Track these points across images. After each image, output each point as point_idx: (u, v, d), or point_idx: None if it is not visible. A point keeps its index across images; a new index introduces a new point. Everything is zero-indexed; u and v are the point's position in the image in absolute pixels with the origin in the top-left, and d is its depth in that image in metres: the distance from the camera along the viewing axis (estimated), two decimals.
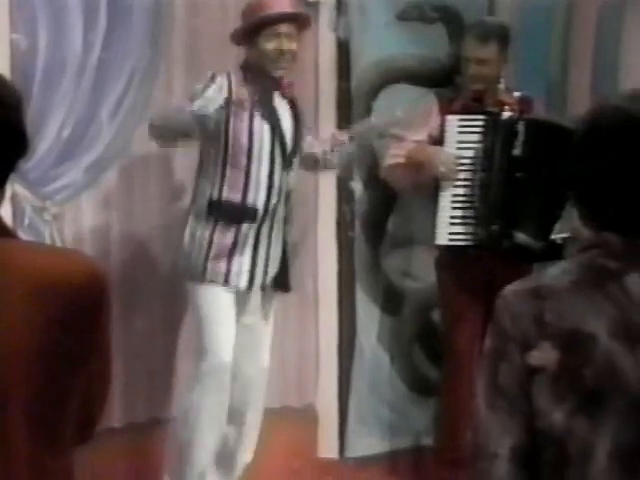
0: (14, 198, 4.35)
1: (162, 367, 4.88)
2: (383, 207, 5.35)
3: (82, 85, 4.59)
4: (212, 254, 4.43)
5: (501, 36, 4.94)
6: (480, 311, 4.77)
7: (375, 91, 5.27)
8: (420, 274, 5.33)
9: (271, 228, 4.50)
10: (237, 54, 4.61)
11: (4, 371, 1.74)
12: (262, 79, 4.46)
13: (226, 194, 4.45)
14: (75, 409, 1.81)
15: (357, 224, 5.30)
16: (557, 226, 4.74)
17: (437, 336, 5.28)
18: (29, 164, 4.25)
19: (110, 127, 4.69)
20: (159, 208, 4.82)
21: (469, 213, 4.88)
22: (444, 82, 5.25)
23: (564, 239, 4.71)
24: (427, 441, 5.27)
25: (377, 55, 5.28)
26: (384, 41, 5.29)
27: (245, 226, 4.44)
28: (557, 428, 1.92)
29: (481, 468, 1.98)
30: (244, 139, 4.42)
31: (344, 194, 5.26)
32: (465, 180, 4.90)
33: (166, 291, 4.86)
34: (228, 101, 4.35)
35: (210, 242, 4.44)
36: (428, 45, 5.36)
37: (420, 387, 5.41)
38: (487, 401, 1.97)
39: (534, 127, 4.84)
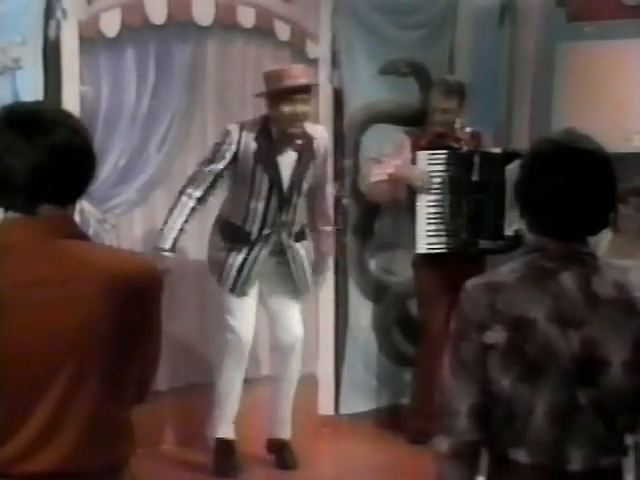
0: (81, 212, 4.32)
1: (197, 343, 4.86)
2: (369, 219, 5.31)
3: (135, 125, 4.57)
4: (221, 261, 4.43)
5: (460, 91, 4.93)
6: (449, 300, 4.75)
7: (363, 128, 5.25)
8: (399, 271, 5.29)
9: (260, 250, 4.42)
10: (255, 102, 4.59)
11: (86, 342, 1.74)
12: (276, 135, 4.32)
13: (232, 219, 4.41)
14: (135, 373, 1.81)
15: (349, 232, 5.27)
16: (506, 224, 4.77)
17: (412, 320, 5.25)
18: (94, 185, 4.23)
19: (156, 157, 4.67)
20: (194, 219, 4.79)
21: (441, 227, 4.88)
22: (416, 122, 5.21)
23: (516, 231, 4.74)
24: (404, 401, 5.23)
25: (364, 101, 5.24)
26: (369, 90, 5.26)
27: (241, 244, 4.40)
28: (505, 392, 1.92)
29: (446, 422, 1.99)
30: (247, 183, 4.33)
31: (339, 208, 5.20)
32: (436, 201, 4.90)
33: (198, 285, 4.84)
34: (236, 153, 4.28)
35: (220, 252, 4.43)
36: (403, 93, 5.33)
37: (398, 359, 5.37)
38: (451, 371, 1.98)
39: (485, 158, 4.86)
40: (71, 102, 4.22)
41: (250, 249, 4.40)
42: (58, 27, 4.26)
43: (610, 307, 1.94)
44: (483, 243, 4.82)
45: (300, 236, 4.51)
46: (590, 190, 1.94)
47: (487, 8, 5.67)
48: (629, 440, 2.00)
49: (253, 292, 4.48)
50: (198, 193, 4.33)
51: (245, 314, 4.45)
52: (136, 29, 4.51)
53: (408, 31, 5.35)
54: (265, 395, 4.64)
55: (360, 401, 5.28)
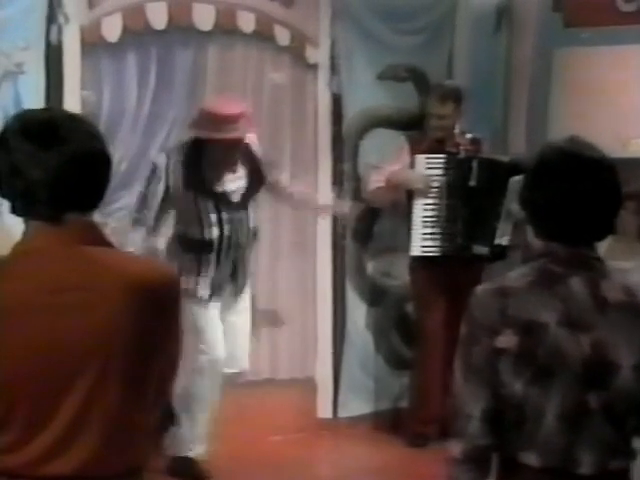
0: None
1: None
2: (367, 222, 5.32)
3: (136, 130, 4.58)
4: (193, 276, 4.30)
5: (456, 96, 4.94)
6: (445, 303, 4.78)
7: (361, 133, 5.26)
8: (397, 274, 5.29)
9: (227, 254, 4.34)
10: (252, 104, 4.60)
11: (107, 348, 1.75)
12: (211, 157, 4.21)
13: (191, 234, 4.30)
14: (155, 377, 1.82)
15: (347, 235, 5.27)
16: (499, 232, 4.79)
17: (410, 323, 5.26)
18: None
19: None
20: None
21: (437, 231, 4.89)
22: (414, 127, 5.23)
23: (506, 241, 4.77)
24: (402, 404, 5.25)
25: (362, 106, 5.25)
26: (367, 95, 5.27)
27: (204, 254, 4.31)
28: (517, 395, 1.93)
29: (459, 425, 1.98)
30: (190, 201, 4.25)
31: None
32: (433, 205, 4.92)
33: None
34: (167, 187, 4.21)
35: (188, 267, 4.28)
36: (401, 98, 5.34)
37: (396, 362, 5.37)
38: (463, 375, 1.98)
39: (485, 164, 4.87)
40: (73, 107, 4.22)
41: (217, 254, 4.33)
42: (60, 32, 4.27)
43: (619, 311, 1.96)
44: (477, 248, 4.84)
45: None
46: (596, 197, 1.97)
47: (484, 13, 5.69)
48: (637, 443, 2.02)
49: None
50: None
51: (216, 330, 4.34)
52: (137, 34, 4.53)
53: (407, 36, 5.37)
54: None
55: (358, 404, 5.28)
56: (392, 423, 5.16)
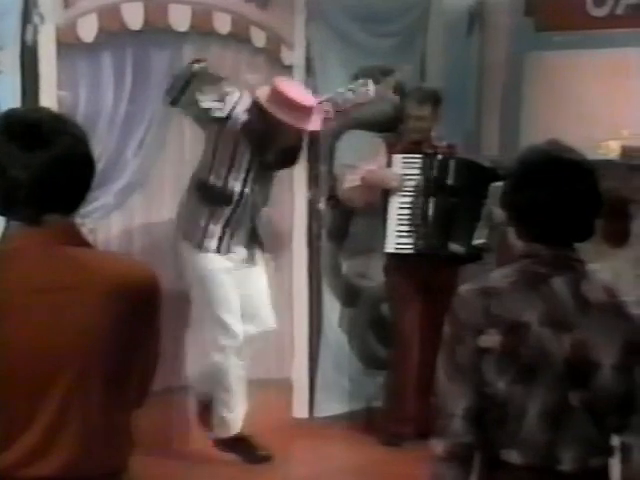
0: None
1: (173, 348, 4.83)
2: (343, 223, 5.33)
3: (112, 130, 4.53)
4: (201, 226, 4.42)
5: (434, 99, 4.95)
6: (420, 303, 4.79)
7: (338, 135, 5.26)
8: (372, 275, 5.30)
9: (243, 211, 4.46)
10: None
11: (87, 348, 1.74)
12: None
13: (212, 181, 4.42)
14: (135, 378, 1.81)
15: (323, 236, 5.28)
16: (476, 234, 4.81)
17: (385, 324, 5.26)
18: None
19: (134, 162, 4.63)
20: (172, 225, 4.76)
21: (412, 229, 4.90)
22: (389, 128, 5.24)
23: (482, 243, 4.79)
24: (377, 404, 5.25)
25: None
26: None
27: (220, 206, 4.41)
28: (500, 394, 1.94)
29: (442, 424, 1.99)
30: (230, 148, 4.39)
31: (313, 212, 5.23)
32: (409, 203, 4.92)
33: (175, 290, 4.81)
34: (229, 115, 4.37)
35: (198, 217, 4.42)
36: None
37: (371, 363, 5.38)
38: (447, 374, 1.99)
39: (461, 164, 4.89)
40: (49, 107, 4.18)
41: (233, 209, 4.42)
42: (35, 32, 4.22)
43: (600, 311, 1.98)
44: (453, 247, 4.84)
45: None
46: (578, 199, 1.99)
47: (457, 17, 5.72)
48: (615, 441, 2.04)
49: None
50: None
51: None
52: (113, 34, 4.48)
53: (381, 39, 5.39)
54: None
55: (334, 404, 5.29)
56: (367, 423, 5.17)
